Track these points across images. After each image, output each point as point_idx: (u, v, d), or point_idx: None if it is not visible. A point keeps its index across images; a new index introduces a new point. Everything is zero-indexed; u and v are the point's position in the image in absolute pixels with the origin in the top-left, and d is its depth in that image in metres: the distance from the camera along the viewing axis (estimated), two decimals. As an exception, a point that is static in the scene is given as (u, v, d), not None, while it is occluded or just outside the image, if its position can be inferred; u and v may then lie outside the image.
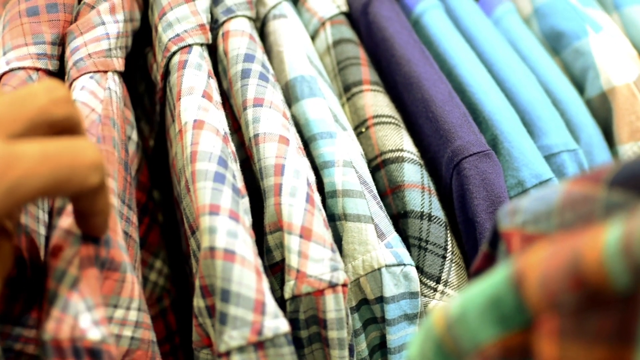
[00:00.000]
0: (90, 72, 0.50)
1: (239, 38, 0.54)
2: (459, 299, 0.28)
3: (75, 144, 0.34)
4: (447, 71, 0.57)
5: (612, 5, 0.69)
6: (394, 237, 0.47)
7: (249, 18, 0.56)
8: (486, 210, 0.48)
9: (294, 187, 0.44)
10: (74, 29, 0.52)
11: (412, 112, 0.55)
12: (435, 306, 0.48)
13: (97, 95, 0.48)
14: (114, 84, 0.51)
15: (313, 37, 0.60)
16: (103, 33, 0.52)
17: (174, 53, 0.52)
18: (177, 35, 0.53)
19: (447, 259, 0.49)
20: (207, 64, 0.52)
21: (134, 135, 0.53)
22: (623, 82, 0.57)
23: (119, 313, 0.41)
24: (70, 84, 0.49)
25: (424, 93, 0.53)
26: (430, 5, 0.62)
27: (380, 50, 0.58)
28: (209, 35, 0.54)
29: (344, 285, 0.42)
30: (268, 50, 0.57)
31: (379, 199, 0.48)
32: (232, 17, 0.55)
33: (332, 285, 0.42)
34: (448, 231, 0.49)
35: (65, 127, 0.35)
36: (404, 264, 0.46)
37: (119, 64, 0.52)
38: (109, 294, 0.40)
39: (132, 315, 0.42)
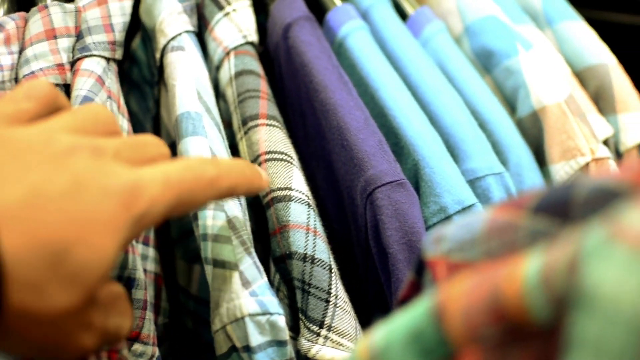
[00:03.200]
0: None
1: (85, 78, 0.53)
2: (383, 331, 0.27)
3: (192, 164, 0.36)
4: (370, 95, 0.57)
5: (545, 22, 0.70)
6: (260, 284, 0.46)
7: (108, 59, 0.56)
8: (399, 241, 0.48)
9: None
10: None
11: (329, 139, 0.54)
12: (318, 352, 0.47)
13: None
14: None
15: (218, 67, 0.60)
16: None
17: None
18: (32, 72, 0.53)
19: (330, 303, 0.48)
20: None
21: None
22: (554, 101, 0.58)
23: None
24: None
25: (339, 120, 0.53)
26: (354, 28, 0.62)
27: (300, 76, 0.58)
28: (68, 75, 0.54)
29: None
30: (165, 82, 0.57)
31: (250, 244, 0.47)
32: (86, 56, 0.55)
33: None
34: (333, 274, 0.48)
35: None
36: (270, 313, 0.45)
37: None
38: None
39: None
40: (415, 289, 0.33)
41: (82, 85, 0.52)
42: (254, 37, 0.61)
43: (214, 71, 0.61)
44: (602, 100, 0.64)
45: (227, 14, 0.61)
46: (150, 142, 0.37)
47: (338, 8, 0.64)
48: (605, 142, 0.61)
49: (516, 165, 0.56)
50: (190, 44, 0.58)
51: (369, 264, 0.52)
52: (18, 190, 0.29)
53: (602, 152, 0.56)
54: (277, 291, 0.50)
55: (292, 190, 0.50)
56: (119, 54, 0.57)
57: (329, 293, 0.48)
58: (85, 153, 0.32)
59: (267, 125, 0.54)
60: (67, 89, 0.54)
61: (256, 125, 0.54)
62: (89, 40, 0.55)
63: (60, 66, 0.53)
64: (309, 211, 0.50)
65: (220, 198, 0.38)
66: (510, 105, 0.61)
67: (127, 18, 0.58)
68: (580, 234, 0.21)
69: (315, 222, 0.50)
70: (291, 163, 0.52)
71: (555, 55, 0.66)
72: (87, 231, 0.30)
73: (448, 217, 0.50)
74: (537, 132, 0.59)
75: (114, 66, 0.57)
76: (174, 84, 0.55)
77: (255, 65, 0.58)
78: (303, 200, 0.50)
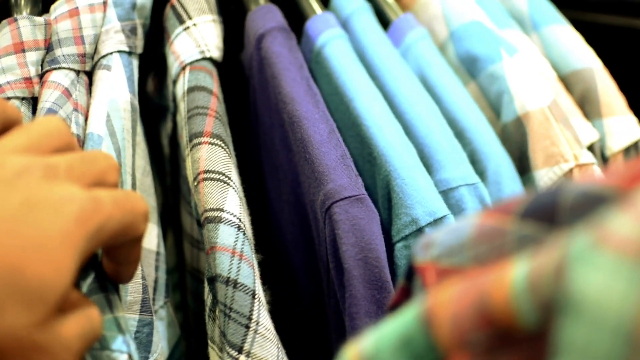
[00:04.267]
0: None
1: (51, 91, 0.53)
2: (372, 337, 0.27)
3: (130, 194, 0.37)
4: (345, 105, 0.57)
5: (531, 26, 0.70)
6: (107, 319, 0.43)
7: (77, 71, 0.56)
8: (354, 257, 0.47)
9: None
10: None
11: (295, 152, 0.55)
12: None
13: None
14: None
15: (175, 82, 0.59)
16: None
17: None
18: None
19: (250, 329, 0.47)
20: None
21: None
22: (537, 107, 0.58)
23: None
24: None
25: (303, 133, 0.53)
26: (332, 36, 0.62)
27: (271, 87, 0.58)
28: (35, 89, 0.54)
29: None
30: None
31: (103, 274, 0.45)
32: (55, 68, 0.55)
33: None
34: (255, 300, 0.48)
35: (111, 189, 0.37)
36: (111, 350, 0.41)
37: None
38: None
39: None
40: (406, 294, 0.33)
41: (47, 98, 0.52)
42: (213, 52, 0.60)
43: (171, 85, 0.61)
44: (588, 105, 0.64)
45: (187, 28, 0.61)
46: (101, 156, 0.37)
47: (317, 17, 0.64)
48: (591, 147, 0.62)
49: (495, 173, 0.56)
50: (119, 64, 0.57)
51: (330, 279, 0.51)
52: None
53: (586, 157, 0.56)
54: (211, 311, 0.49)
55: (223, 211, 0.49)
56: (88, 66, 0.57)
57: (249, 319, 0.47)
58: (36, 173, 0.33)
59: (210, 143, 0.53)
60: (35, 102, 0.54)
61: (199, 143, 0.53)
62: (58, 52, 0.55)
63: (27, 80, 0.53)
64: (237, 234, 0.49)
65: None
66: (495, 111, 0.61)
67: (99, 30, 0.58)
68: (566, 240, 0.21)
69: (243, 246, 0.49)
70: (227, 184, 0.51)
71: (541, 59, 0.66)
72: (42, 250, 0.31)
73: (420, 229, 0.50)
74: (521, 138, 0.59)
75: (84, 78, 0.57)
76: (91, 102, 0.55)
77: (209, 82, 0.58)
78: (233, 222, 0.49)
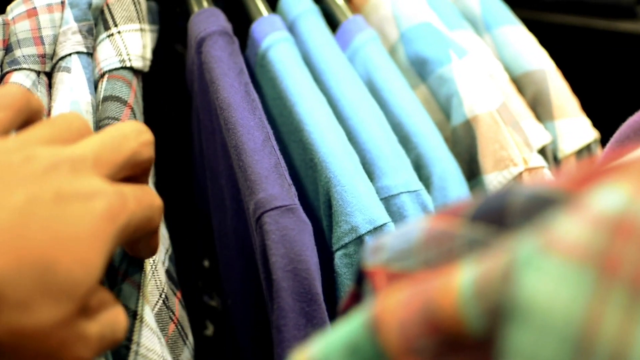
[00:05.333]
0: None
1: None
2: (321, 343, 0.27)
3: (147, 189, 0.38)
4: (289, 110, 0.57)
5: (483, 27, 0.70)
6: None
7: (38, 72, 0.55)
8: (283, 268, 0.46)
9: None
10: None
11: (232, 158, 0.54)
12: None
13: None
14: None
15: (96, 89, 0.58)
16: None
17: None
18: None
19: (131, 350, 0.45)
20: None
21: None
22: (486, 110, 0.57)
23: None
24: None
25: (237, 140, 0.52)
26: (277, 39, 0.61)
27: (210, 92, 0.57)
28: None
29: None
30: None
31: None
32: (15, 69, 0.54)
33: None
34: (136, 321, 0.46)
35: (145, 168, 0.39)
36: None
37: None
38: None
39: None
40: (356, 299, 0.33)
41: None
42: (135, 62, 0.59)
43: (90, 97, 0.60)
44: (540, 107, 0.64)
45: (110, 35, 0.59)
46: (131, 133, 0.37)
47: (263, 19, 0.63)
48: (543, 150, 0.62)
49: (440, 178, 0.56)
50: (78, 65, 0.57)
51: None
52: (1, 213, 0.30)
53: (535, 161, 0.56)
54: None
55: None
56: (49, 67, 0.57)
57: (129, 340, 0.45)
58: (65, 167, 0.33)
59: None
60: None
61: None
62: (18, 53, 0.55)
63: None
64: (121, 252, 0.47)
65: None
66: (446, 113, 0.61)
67: (58, 30, 0.57)
68: (514, 243, 0.21)
69: (128, 267, 0.46)
70: None
71: (493, 61, 0.66)
72: (73, 246, 0.31)
73: (359, 237, 0.49)
74: (470, 142, 0.59)
75: (44, 79, 0.56)
76: (52, 105, 0.54)
77: (125, 92, 0.56)
78: None
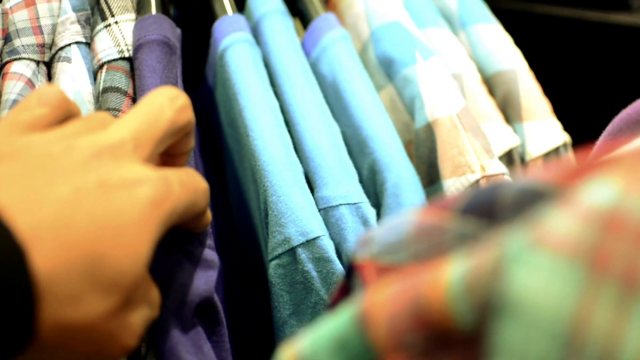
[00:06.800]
0: None
1: (14, 82, 0.52)
2: (309, 337, 0.27)
3: (191, 172, 0.38)
4: (238, 113, 0.56)
5: (459, 24, 0.69)
6: None
7: (37, 62, 0.55)
8: None
9: None
10: None
11: None
12: None
13: None
14: None
15: (95, 80, 0.58)
16: None
17: None
18: None
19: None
20: None
21: None
22: (446, 114, 0.56)
23: None
24: None
25: None
26: (236, 40, 0.60)
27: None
28: None
29: None
30: None
31: None
32: (15, 59, 0.54)
33: None
34: None
35: (186, 132, 0.39)
36: None
37: None
38: None
39: None
40: (345, 292, 0.32)
41: (11, 89, 0.52)
42: (131, 52, 0.58)
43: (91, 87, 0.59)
44: (509, 108, 0.64)
45: (108, 26, 0.59)
46: (162, 98, 0.37)
47: (225, 18, 0.62)
48: (510, 153, 0.61)
49: (394, 185, 0.54)
50: (78, 55, 0.56)
51: None
52: (48, 206, 0.30)
53: (494, 168, 0.55)
54: None
55: None
56: (47, 57, 0.57)
57: None
58: (107, 155, 0.33)
59: None
60: None
61: None
62: (17, 43, 0.55)
63: None
64: None
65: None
66: (411, 115, 0.60)
67: (56, 20, 0.57)
68: (503, 238, 0.21)
69: None
70: None
71: (465, 60, 0.65)
72: (120, 237, 0.31)
73: (292, 249, 0.49)
74: (431, 145, 0.58)
75: (43, 69, 0.56)
76: None
77: (125, 83, 0.56)
78: None
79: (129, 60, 0.58)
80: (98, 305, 0.30)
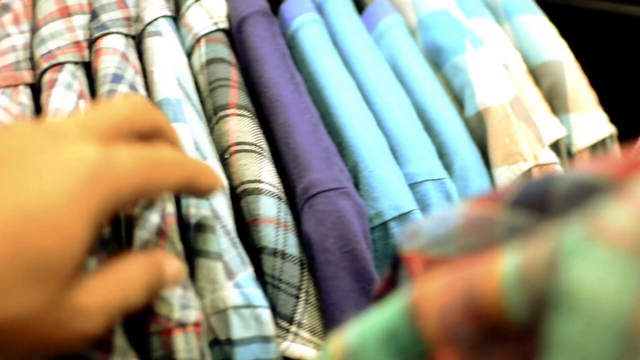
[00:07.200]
0: (0, 87, 0.50)
1: (110, 56, 0.52)
2: (357, 328, 0.27)
3: (165, 151, 0.36)
4: (317, 92, 0.57)
5: (504, 15, 0.69)
6: (245, 276, 0.45)
7: (126, 35, 0.55)
8: (341, 249, 0.47)
9: (145, 219, 0.42)
10: None
11: (275, 137, 0.54)
12: (287, 348, 0.47)
13: (11, 111, 0.48)
14: (26, 97, 0.50)
15: (190, 54, 0.58)
16: (9, 46, 0.52)
17: (45, 70, 0.51)
18: (49, 52, 0.52)
19: (300, 299, 0.47)
20: (79, 84, 0.51)
21: None
22: (497, 103, 0.56)
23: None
24: None
25: (288, 119, 0.52)
26: (306, 21, 0.61)
27: (251, 71, 0.57)
28: (85, 53, 0.53)
29: (196, 324, 0.41)
30: (143, 69, 0.56)
31: (234, 234, 0.47)
32: (105, 34, 0.54)
33: (181, 325, 0.40)
34: (304, 270, 0.48)
35: (153, 134, 0.37)
36: (254, 306, 0.44)
37: (29, 76, 0.51)
38: None
39: None
40: (391, 284, 0.32)
41: (108, 64, 0.52)
42: (225, 24, 0.60)
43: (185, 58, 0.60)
44: (556, 99, 0.63)
45: (197, 0, 0.60)
46: (119, 99, 0.38)
47: (292, 0, 0.63)
48: (557, 144, 0.61)
49: (462, 168, 0.55)
50: (167, 29, 0.57)
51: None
52: None
53: (546, 157, 0.55)
54: None
55: (261, 182, 0.49)
56: (134, 31, 0.57)
57: (299, 289, 0.47)
58: (46, 142, 0.31)
59: (238, 115, 0.53)
60: (86, 67, 0.54)
61: (226, 115, 0.53)
62: (105, 18, 0.55)
63: (77, 44, 0.53)
64: (279, 204, 0.49)
65: (181, 188, 0.39)
66: (460, 103, 0.60)
67: None
68: (559, 231, 0.20)
69: (286, 216, 0.49)
70: (261, 154, 0.51)
71: (511, 51, 0.65)
72: (47, 222, 0.29)
73: (385, 223, 0.49)
74: (481, 134, 0.58)
75: (131, 42, 0.56)
76: (152, 69, 0.54)
77: (226, 53, 0.57)
78: (273, 193, 0.49)
79: (224, 31, 0.59)
80: (32, 296, 0.29)
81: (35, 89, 0.53)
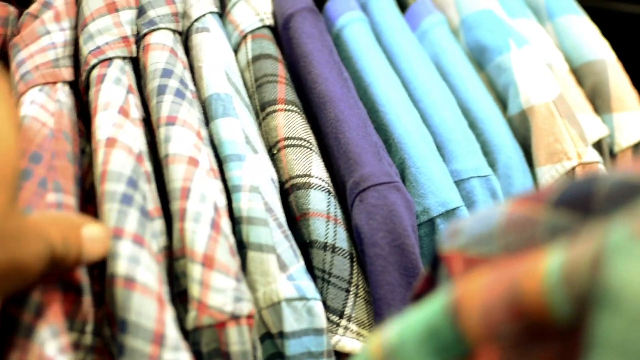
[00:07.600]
0: (38, 84, 0.49)
1: (159, 52, 0.53)
2: (397, 327, 0.27)
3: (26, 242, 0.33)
4: (363, 89, 0.57)
5: (546, 15, 0.68)
6: (298, 269, 0.46)
7: (173, 31, 0.55)
8: (391, 243, 0.47)
9: (199, 212, 0.43)
10: (19, 41, 0.52)
11: (324, 133, 0.54)
12: (338, 342, 0.47)
13: (48, 109, 0.48)
14: (64, 95, 0.50)
15: (236, 51, 0.59)
16: (49, 43, 0.52)
17: (94, 66, 0.51)
18: (98, 47, 0.52)
19: (350, 292, 0.48)
20: (127, 79, 0.51)
21: (88, 148, 0.51)
22: (542, 101, 0.57)
23: (72, 336, 0.40)
24: (19, 98, 0.48)
25: (338, 114, 0.53)
26: (352, 19, 0.61)
27: (299, 67, 0.57)
28: (133, 48, 0.53)
29: (249, 317, 0.41)
30: (190, 65, 0.56)
31: (286, 227, 0.47)
32: (153, 30, 0.54)
33: (235, 317, 0.41)
34: (354, 263, 0.48)
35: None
36: (307, 298, 0.45)
37: (67, 73, 0.52)
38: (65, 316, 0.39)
39: (87, 339, 0.41)
40: (430, 284, 0.32)
41: (158, 59, 0.52)
42: (270, 20, 0.60)
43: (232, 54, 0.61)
44: (598, 98, 0.63)
45: None
46: None
47: None
48: (599, 143, 0.61)
49: (505, 166, 0.55)
50: (215, 25, 0.58)
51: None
52: None
53: (590, 156, 0.55)
54: None
55: (311, 177, 0.50)
56: (181, 26, 0.57)
57: (349, 283, 0.48)
58: None
59: (286, 110, 0.54)
60: (133, 62, 0.54)
61: (274, 111, 0.54)
62: (152, 14, 0.55)
63: (125, 39, 0.53)
64: (328, 198, 0.49)
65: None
66: (503, 102, 0.61)
67: None
68: (603, 230, 0.20)
69: (336, 210, 0.49)
70: (310, 149, 0.52)
71: (553, 51, 0.65)
72: None
73: (431, 219, 0.50)
74: (525, 133, 0.58)
75: (179, 38, 0.57)
76: (200, 65, 0.55)
77: (273, 49, 0.58)
78: (323, 187, 0.50)
79: (270, 28, 0.59)
80: None
81: (76, 87, 0.53)
